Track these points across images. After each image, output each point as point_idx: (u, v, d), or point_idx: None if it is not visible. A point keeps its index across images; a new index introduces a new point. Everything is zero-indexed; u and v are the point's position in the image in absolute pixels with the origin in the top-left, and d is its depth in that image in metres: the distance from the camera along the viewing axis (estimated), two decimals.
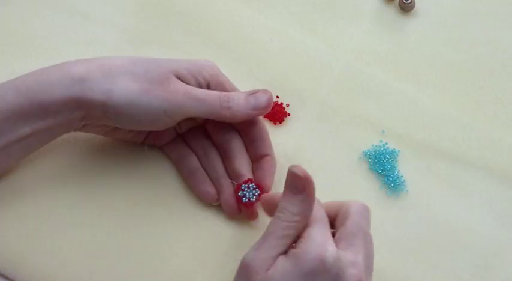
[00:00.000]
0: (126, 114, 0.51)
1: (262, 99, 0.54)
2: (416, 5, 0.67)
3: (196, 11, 0.66)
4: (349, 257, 0.45)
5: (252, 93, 0.54)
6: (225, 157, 0.56)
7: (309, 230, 0.46)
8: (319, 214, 0.47)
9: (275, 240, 0.45)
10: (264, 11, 0.67)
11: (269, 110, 0.55)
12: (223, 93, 0.53)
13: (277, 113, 0.61)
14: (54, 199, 0.56)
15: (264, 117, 0.60)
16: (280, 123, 0.61)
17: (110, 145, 0.58)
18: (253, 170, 0.56)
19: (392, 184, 0.58)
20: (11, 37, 0.64)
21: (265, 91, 0.55)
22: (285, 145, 0.59)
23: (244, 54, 0.64)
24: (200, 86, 0.54)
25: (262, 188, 0.54)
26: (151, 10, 0.66)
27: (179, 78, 0.52)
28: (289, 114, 0.62)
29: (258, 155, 0.55)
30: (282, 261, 0.45)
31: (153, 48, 0.64)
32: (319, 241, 0.44)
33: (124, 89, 0.50)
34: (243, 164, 0.55)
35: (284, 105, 0.62)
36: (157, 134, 0.57)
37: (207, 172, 0.56)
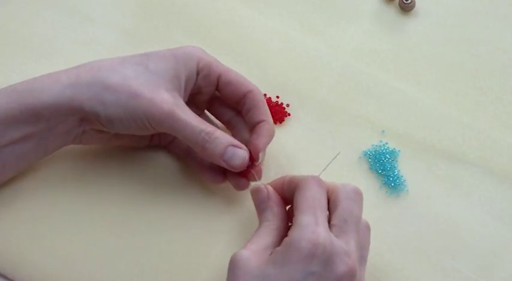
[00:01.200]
0: (116, 118, 0.50)
1: (237, 159, 0.52)
2: (416, 5, 0.67)
3: (196, 10, 0.66)
4: (341, 244, 0.46)
5: (235, 145, 0.52)
6: (234, 134, 0.56)
7: (299, 217, 0.47)
8: (311, 200, 0.47)
9: (258, 238, 0.48)
10: (264, 11, 0.67)
11: (240, 169, 0.53)
12: (209, 129, 0.51)
13: (277, 113, 0.61)
14: (54, 199, 0.56)
15: None
16: (280, 123, 0.61)
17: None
18: (250, 137, 0.55)
19: (393, 184, 0.58)
20: (11, 37, 0.64)
21: (244, 152, 0.52)
22: (285, 145, 0.59)
23: (244, 54, 0.64)
24: (188, 80, 0.53)
25: (252, 157, 0.53)
26: (151, 10, 0.66)
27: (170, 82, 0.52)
28: (289, 114, 0.62)
29: (255, 122, 0.55)
30: (275, 251, 0.46)
31: (153, 48, 0.63)
32: (308, 227, 0.45)
33: (113, 91, 0.50)
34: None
35: (284, 105, 0.62)
36: (160, 134, 0.57)
37: None
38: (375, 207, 0.58)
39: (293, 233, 0.46)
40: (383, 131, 0.61)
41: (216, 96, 0.57)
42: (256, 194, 0.52)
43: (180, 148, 0.57)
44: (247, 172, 0.53)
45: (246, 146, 0.53)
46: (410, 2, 0.66)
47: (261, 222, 0.50)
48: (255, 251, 0.47)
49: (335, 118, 0.62)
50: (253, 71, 0.63)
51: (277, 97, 0.62)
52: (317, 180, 0.49)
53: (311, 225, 0.46)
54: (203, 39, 0.65)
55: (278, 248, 0.46)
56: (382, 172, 0.59)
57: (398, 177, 0.59)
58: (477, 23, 0.67)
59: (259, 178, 0.54)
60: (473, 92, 0.63)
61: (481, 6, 0.67)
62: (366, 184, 0.59)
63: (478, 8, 0.67)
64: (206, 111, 0.58)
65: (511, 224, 0.57)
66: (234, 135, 0.55)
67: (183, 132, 0.51)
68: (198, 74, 0.54)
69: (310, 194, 0.48)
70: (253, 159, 0.53)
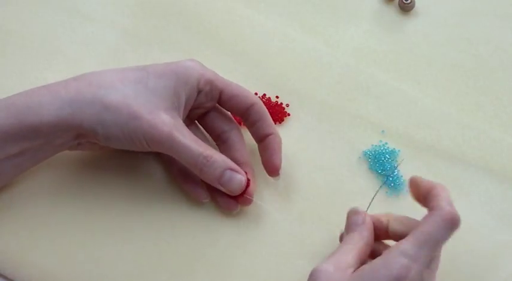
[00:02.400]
0: (114, 136, 0.50)
1: (234, 183, 0.52)
2: (416, 5, 0.67)
3: (196, 11, 0.66)
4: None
5: (233, 169, 0.52)
6: (224, 149, 0.56)
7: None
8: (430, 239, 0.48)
9: (341, 255, 0.47)
10: (264, 11, 0.67)
11: (237, 193, 0.53)
12: (208, 152, 0.51)
13: (277, 113, 0.61)
14: (54, 199, 0.56)
15: None
16: (280, 123, 0.61)
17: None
18: (260, 151, 0.56)
19: (392, 184, 0.58)
20: (11, 37, 0.64)
21: (242, 177, 0.53)
22: (285, 145, 0.58)
23: (244, 54, 0.64)
24: (188, 98, 0.53)
25: (249, 179, 0.53)
26: (151, 10, 0.66)
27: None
28: (289, 114, 0.62)
29: (262, 136, 0.55)
30: (362, 269, 0.46)
31: (153, 48, 0.64)
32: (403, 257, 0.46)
33: (113, 111, 0.50)
34: (243, 154, 0.55)
35: (284, 105, 0.62)
36: None
37: None
38: (375, 207, 0.57)
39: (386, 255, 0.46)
40: (383, 131, 0.61)
41: (210, 110, 0.56)
42: (352, 215, 0.51)
43: (165, 156, 0.56)
44: (240, 196, 0.53)
45: (262, 160, 0.55)
46: (410, 2, 0.66)
47: (345, 241, 0.49)
48: (338, 268, 0.46)
49: (335, 118, 0.62)
50: (253, 71, 0.63)
51: (277, 97, 0.62)
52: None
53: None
54: (203, 39, 0.65)
55: (371, 264, 0.46)
56: (382, 172, 0.59)
57: (398, 177, 0.59)
58: (477, 23, 0.67)
59: (250, 202, 0.54)
60: (473, 92, 0.63)
61: (481, 6, 0.67)
62: (366, 184, 0.59)
63: (478, 8, 0.67)
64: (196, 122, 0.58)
65: (511, 224, 0.57)
66: (221, 151, 0.55)
67: (181, 155, 0.51)
68: (199, 91, 0.54)
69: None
70: (248, 183, 0.53)
